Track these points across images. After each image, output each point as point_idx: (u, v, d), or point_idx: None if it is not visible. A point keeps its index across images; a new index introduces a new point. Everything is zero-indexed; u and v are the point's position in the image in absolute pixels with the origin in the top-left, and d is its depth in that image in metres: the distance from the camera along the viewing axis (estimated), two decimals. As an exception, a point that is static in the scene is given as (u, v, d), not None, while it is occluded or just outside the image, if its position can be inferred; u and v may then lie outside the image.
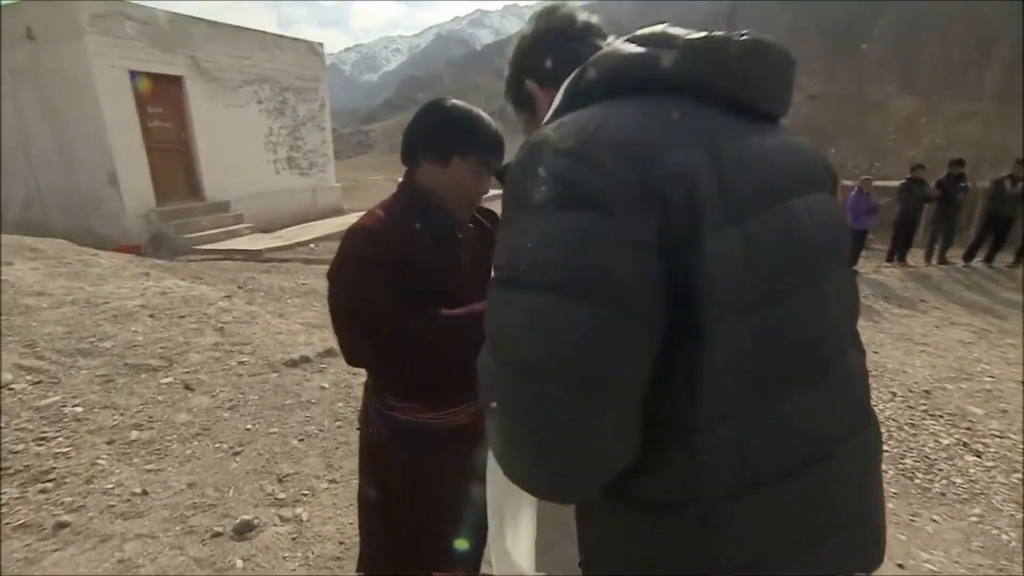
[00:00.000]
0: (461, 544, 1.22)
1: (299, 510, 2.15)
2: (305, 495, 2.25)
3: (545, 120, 0.64)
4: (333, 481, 2.37)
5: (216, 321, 3.86)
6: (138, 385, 2.91)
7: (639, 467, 0.54)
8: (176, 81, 8.40)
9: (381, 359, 1.04)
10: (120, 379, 2.93)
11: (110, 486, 2.14)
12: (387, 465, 1.17)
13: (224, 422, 2.72)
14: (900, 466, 2.72)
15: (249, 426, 2.70)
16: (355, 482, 2.37)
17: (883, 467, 0.70)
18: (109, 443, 2.42)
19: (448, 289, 1.07)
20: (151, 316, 3.75)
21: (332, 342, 3.73)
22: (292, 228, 8.94)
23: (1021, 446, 2.92)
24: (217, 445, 2.52)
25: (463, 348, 0.99)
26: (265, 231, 8.75)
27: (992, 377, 3.89)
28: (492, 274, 0.57)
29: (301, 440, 2.64)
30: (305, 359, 3.43)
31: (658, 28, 0.62)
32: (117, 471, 2.25)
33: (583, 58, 0.64)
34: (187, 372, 3.11)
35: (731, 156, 0.53)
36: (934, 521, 2.33)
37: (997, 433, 3.07)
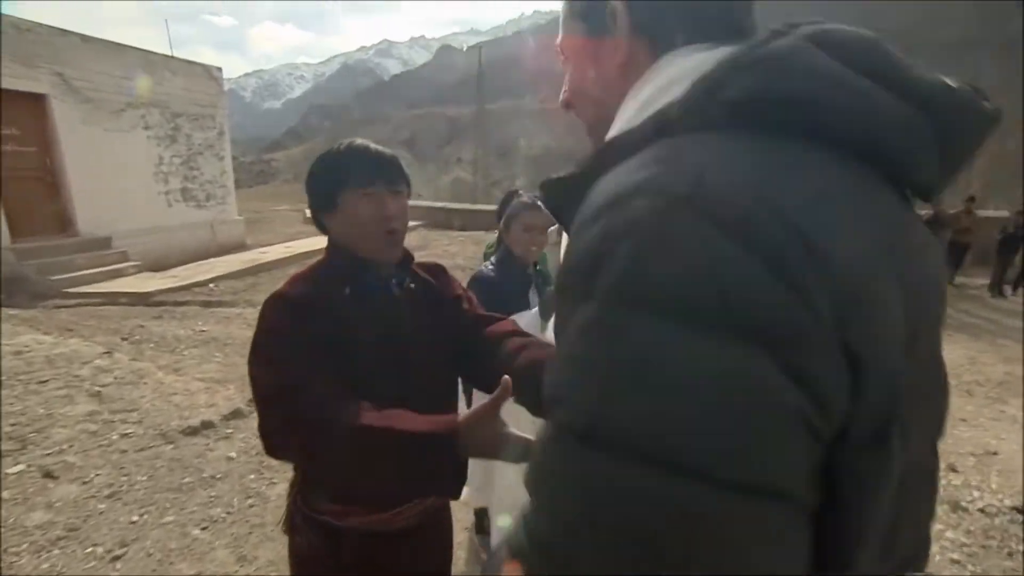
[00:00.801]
0: None
1: (204, 625, 1.76)
2: (211, 603, 1.85)
3: (659, 105, 0.41)
4: (247, 578, 1.98)
5: (91, 384, 3.25)
6: (-25, 479, 2.31)
7: None
8: (38, 100, 7.32)
9: (308, 455, 0.83)
10: (-51, 473, 2.31)
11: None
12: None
13: (100, 516, 2.21)
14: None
15: (135, 518, 2.22)
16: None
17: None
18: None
19: (390, 359, 0.92)
20: None
21: (240, 401, 3.27)
22: (188, 266, 8.02)
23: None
24: (89, 550, 2.02)
25: (394, 465, 0.78)
26: (155, 270, 7.77)
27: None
28: (553, 410, 0.34)
29: (204, 528, 2.21)
30: (208, 424, 2.95)
31: (866, 38, 0.38)
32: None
33: (711, 21, 0.43)
34: (48, 454, 2.54)
35: (910, 285, 0.34)
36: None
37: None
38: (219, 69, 11.16)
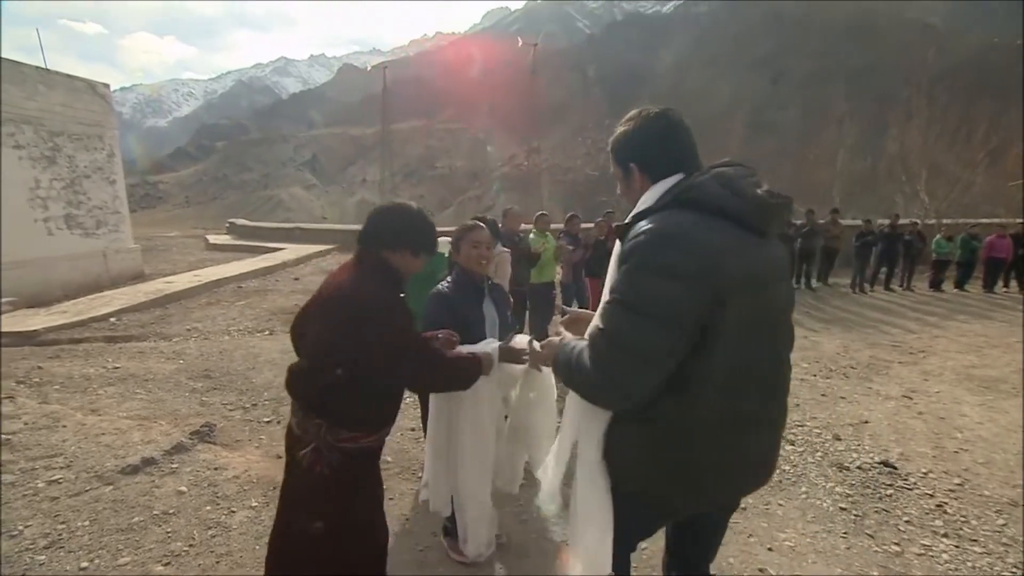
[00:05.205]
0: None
1: (188, 655, 1.73)
2: (191, 633, 1.82)
3: (652, 203, 1.12)
4: (224, 605, 1.96)
5: (-2, 432, 2.94)
6: None
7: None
8: None
9: (445, 377, 1.62)
10: None
11: None
12: (339, 493, 1.49)
13: (41, 568, 2.07)
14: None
15: (84, 564, 2.10)
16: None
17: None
18: None
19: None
20: None
21: (180, 436, 3.13)
22: (80, 300, 7.24)
23: (816, 431, 3.76)
24: (41, 601, 1.90)
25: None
26: (36, 306, 6.94)
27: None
28: (611, 295, 1.09)
29: (167, 564, 2.14)
30: (149, 461, 2.80)
31: (728, 174, 1.10)
32: None
33: (665, 168, 1.17)
34: (-34, 510, 2.30)
35: (750, 262, 1.05)
36: (780, 505, 2.85)
37: (798, 423, 3.90)
38: (106, 85, 10.29)
